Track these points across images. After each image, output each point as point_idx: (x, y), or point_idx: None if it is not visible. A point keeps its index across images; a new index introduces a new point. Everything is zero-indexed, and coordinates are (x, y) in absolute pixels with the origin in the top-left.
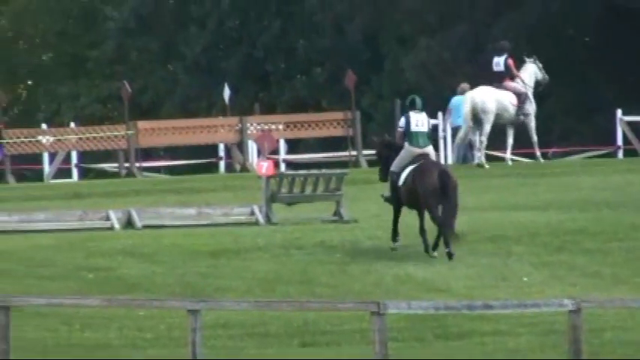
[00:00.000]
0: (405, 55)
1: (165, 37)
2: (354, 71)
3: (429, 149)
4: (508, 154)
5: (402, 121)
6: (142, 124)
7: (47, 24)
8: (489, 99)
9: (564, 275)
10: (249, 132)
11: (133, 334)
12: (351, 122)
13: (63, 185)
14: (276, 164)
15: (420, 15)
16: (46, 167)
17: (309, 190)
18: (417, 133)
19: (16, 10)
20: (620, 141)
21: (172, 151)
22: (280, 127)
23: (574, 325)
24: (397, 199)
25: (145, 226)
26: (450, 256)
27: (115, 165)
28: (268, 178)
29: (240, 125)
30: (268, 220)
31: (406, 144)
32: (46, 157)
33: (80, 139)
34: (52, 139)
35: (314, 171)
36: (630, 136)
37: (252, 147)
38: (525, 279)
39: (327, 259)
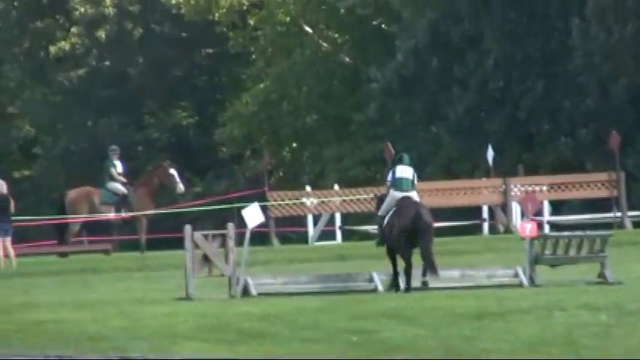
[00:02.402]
0: None
1: (429, 98)
2: (618, 132)
3: (412, 193)
4: None
5: (389, 175)
6: None
7: (311, 85)
8: None
9: None
10: (512, 193)
11: None
12: (615, 183)
13: (327, 247)
14: (540, 225)
15: None
16: (310, 229)
17: (572, 251)
18: (400, 179)
19: (279, 72)
20: None
21: (436, 213)
22: (544, 188)
23: None
24: (386, 242)
25: (407, 289)
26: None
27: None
28: (532, 239)
29: (503, 186)
30: (532, 281)
31: (391, 190)
32: (310, 218)
33: (344, 200)
34: (316, 201)
35: (578, 232)
36: None
37: (515, 208)
38: None
39: (591, 321)
